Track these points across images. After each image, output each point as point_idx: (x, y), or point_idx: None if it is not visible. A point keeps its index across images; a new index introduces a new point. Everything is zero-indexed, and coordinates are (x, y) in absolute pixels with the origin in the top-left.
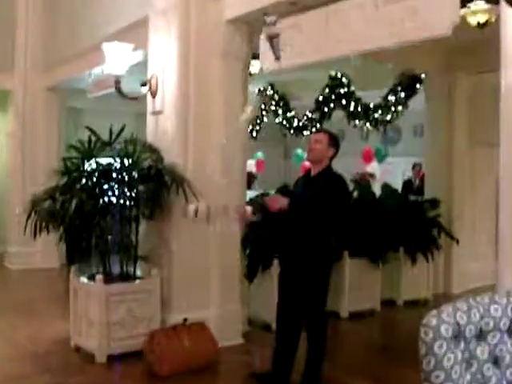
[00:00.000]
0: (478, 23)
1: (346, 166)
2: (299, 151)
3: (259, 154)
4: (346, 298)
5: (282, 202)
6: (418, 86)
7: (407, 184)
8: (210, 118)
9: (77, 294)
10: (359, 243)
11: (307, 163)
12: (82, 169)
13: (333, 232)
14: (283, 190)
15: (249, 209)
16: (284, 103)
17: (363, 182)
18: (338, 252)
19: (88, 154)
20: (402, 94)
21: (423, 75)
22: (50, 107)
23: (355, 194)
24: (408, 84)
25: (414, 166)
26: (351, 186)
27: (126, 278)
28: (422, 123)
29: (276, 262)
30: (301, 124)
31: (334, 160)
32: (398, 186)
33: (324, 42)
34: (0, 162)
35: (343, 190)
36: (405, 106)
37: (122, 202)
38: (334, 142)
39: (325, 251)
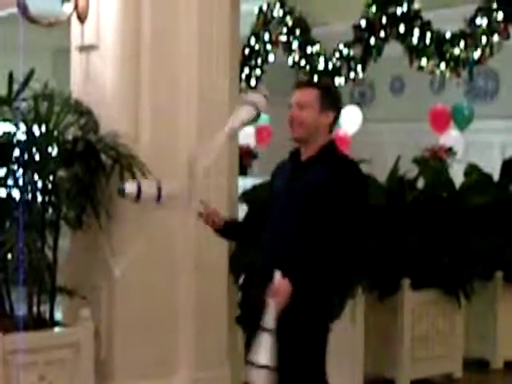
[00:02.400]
0: None
1: (406, 136)
2: None
3: (262, 117)
4: (405, 358)
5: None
6: None
7: (509, 166)
8: (177, 57)
9: None
10: (427, 265)
11: (341, 133)
12: None
13: (341, 264)
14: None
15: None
16: (302, 31)
17: (435, 162)
18: (350, 289)
19: None
20: (500, 16)
21: None
22: None
23: (421, 183)
24: None
25: None
26: (415, 170)
27: (38, 324)
28: None
29: None
30: (330, 66)
31: (376, 127)
32: (493, 169)
33: None
34: None
35: (359, 188)
36: (504, 35)
37: (29, 197)
38: (331, 99)
39: (326, 300)
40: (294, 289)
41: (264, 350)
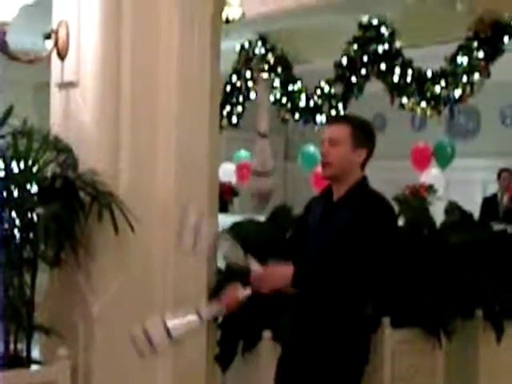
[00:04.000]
0: None
1: (387, 174)
2: (310, 148)
3: (243, 154)
4: None
5: (283, 279)
6: (505, 40)
7: (489, 203)
8: (157, 95)
9: None
10: (408, 304)
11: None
12: None
13: (370, 302)
14: (287, 220)
15: (241, 293)
16: (284, 68)
17: (415, 200)
18: (374, 323)
19: None
20: (480, 54)
21: None
22: None
23: (401, 221)
24: (489, 37)
25: (500, 174)
26: (395, 208)
27: (14, 362)
28: None
29: (268, 334)
30: (311, 104)
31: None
32: (473, 207)
33: None
34: None
35: (388, 227)
36: (484, 73)
37: (7, 233)
38: (365, 135)
39: (358, 337)
40: (323, 313)
41: (182, 326)
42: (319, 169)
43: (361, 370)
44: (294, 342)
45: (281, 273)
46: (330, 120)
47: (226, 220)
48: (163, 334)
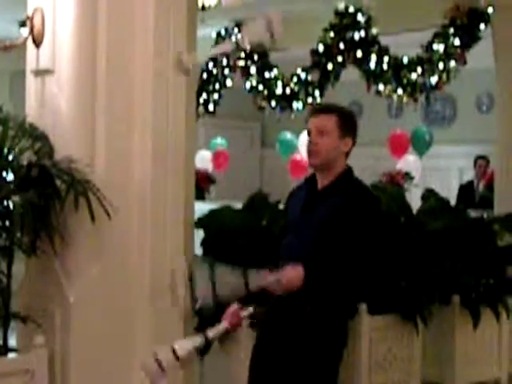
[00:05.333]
0: None
1: (364, 161)
2: (287, 135)
3: (220, 142)
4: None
5: (297, 280)
6: (481, 27)
7: (466, 191)
8: (133, 83)
9: None
10: (385, 290)
11: (298, 158)
12: None
13: (354, 294)
14: (263, 207)
15: (243, 312)
16: (260, 56)
17: (392, 187)
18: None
19: None
20: (456, 41)
21: (490, 9)
22: None
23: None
24: (465, 24)
25: (476, 162)
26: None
27: None
28: (490, 91)
29: (245, 322)
30: (288, 91)
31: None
32: (450, 194)
33: None
34: None
35: (378, 215)
36: (461, 61)
37: None
38: (351, 124)
39: (337, 322)
40: (304, 311)
41: (188, 346)
42: (296, 156)
43: (340, 353)
44: (270, 328)
45: (294, 274)
46: (317, 110)
47: (202, 207)
48: (171, 357)
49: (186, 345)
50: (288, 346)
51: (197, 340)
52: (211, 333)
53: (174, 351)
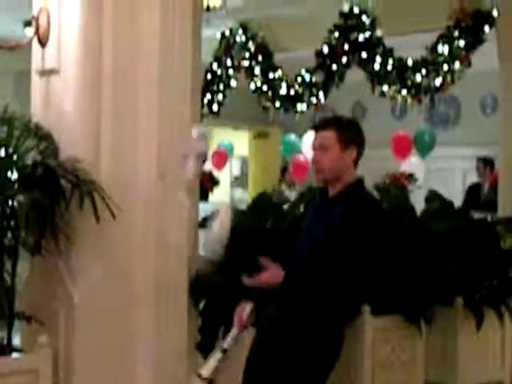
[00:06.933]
0: None
1: (368, 162)
2: (292, 137)
3: (224, 143)
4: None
5: (275, 280)
6: (486, 29)
7: (473, 192)
8: (138, 83)
9: None
10: (388, 292)
11: (301, 159)
12: None
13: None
14: (267, 208)
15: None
16: (264, 56)
17: (395, 189)
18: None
19: None
20: (461, 43)
21: (495, 13)
22: None
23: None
24: (470, 26)
25: (478, 164)
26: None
27: None
28: (494, 93)
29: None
30: (292, 92)
31: None
32: (454, 195)
33: None
34: None
35: (380, 227)
36: (465, 62)
37: None
38: (351, 134)
39: (331, 338)
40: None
41: (210, 364)
42: (299, 157)
43: (330, 364)
44: (270, 330)
45: (277, 273)
46: (318, 125)
47: (207, 208)
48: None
49: (208, 366)
50: (279, 353)
51: (216, 356)
52: (226, 344)
53: (199, 376)
